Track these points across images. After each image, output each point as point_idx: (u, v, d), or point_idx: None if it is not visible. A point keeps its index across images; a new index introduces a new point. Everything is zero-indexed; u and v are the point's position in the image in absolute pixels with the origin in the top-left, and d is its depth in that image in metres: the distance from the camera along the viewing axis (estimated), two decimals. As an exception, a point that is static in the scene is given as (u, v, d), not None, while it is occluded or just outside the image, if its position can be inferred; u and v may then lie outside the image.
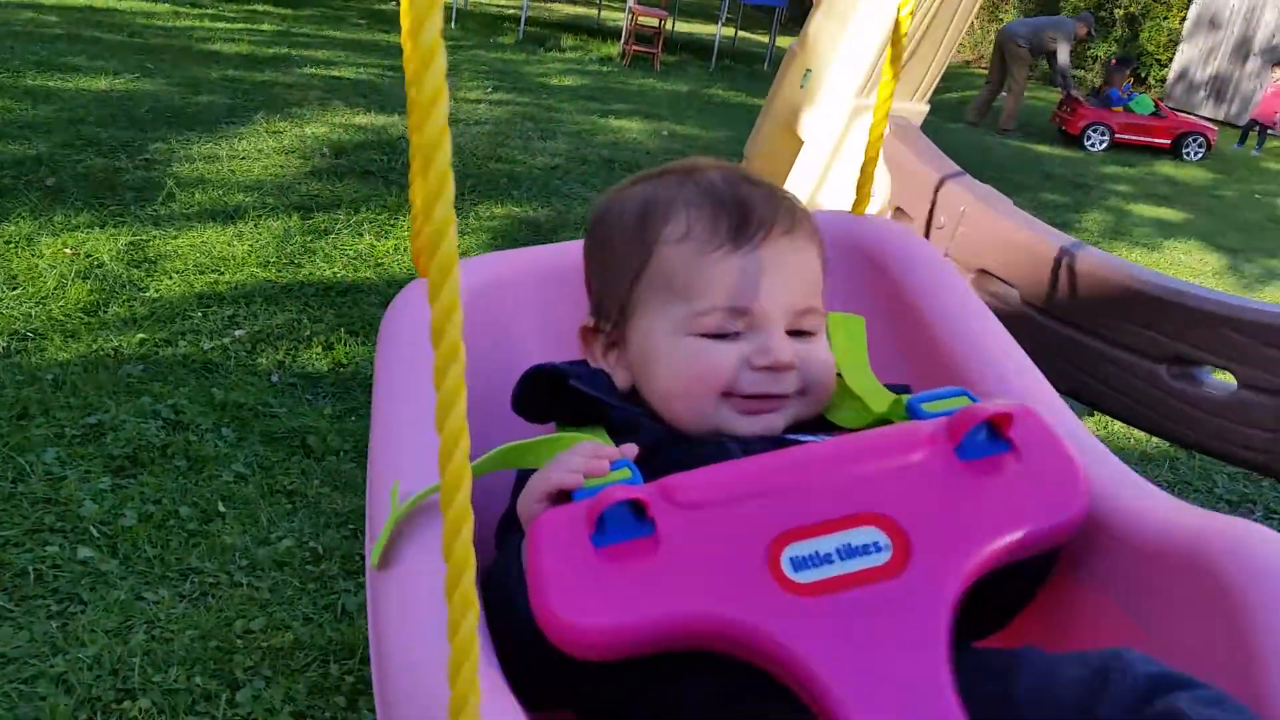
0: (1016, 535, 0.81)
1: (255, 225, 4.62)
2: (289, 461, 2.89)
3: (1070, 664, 0.80)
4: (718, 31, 13.42)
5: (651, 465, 0.92)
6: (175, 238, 4.33)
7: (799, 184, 2.22)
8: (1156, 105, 12.96)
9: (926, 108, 2.22)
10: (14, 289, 3.58)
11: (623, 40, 12.15)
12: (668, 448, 0.98)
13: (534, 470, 0.94)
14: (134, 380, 3.18)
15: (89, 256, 3.97)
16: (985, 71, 13.96)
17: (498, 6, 15.14)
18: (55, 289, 3.64)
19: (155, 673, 2.09)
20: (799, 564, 0.78)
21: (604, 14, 15.69)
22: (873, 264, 1.33)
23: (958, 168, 2.04)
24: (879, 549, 0.79)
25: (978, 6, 2.10)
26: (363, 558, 2.58)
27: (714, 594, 0.76)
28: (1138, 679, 0.75)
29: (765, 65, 13.94)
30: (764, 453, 0.93)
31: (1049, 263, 1.87)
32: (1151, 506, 0.96)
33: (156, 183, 4.93)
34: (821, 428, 1.07)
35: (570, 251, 1.29)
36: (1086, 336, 1.84)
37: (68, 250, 3.98)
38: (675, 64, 12.39)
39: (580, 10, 16.35)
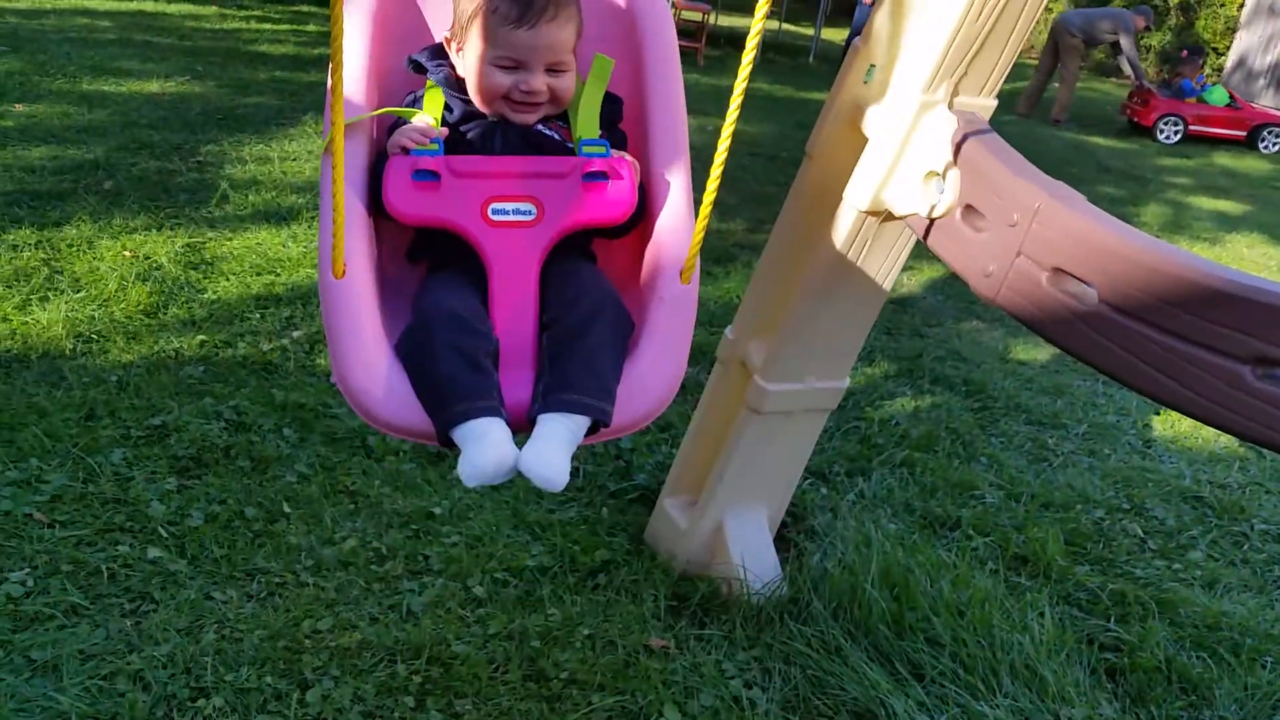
0: (590, 216, 1.66)
1: (309, 227, 4.65)
2: (350, 462, 2.92)
3: (581, 288, 1.61)
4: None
5: (458, 133, 1.72)
6: (230, 239, 4.38)
7: (864, 181, 2.19)
8: (1231, 96, 12.68)
9: (994, 103, 2.18)
10: (78, 291, 3.64)
11: (664, 35, 12.10)
12: (470, 121, 1.74)
13: (400, 121, 1.73)
14: (195, 381, 3.22)
15: (147, 259, 4.03)
16: (1034, 61, 13.76)
17: (538, 4, 15.15)
18: (116, 291, 3.69)
19: (227, 671, 2.11)
20: (496, 212, 1.62)
21: (644, 10, 15.63)
22: (633, 26, 1.93)
23: (1030, 164, 2.00)
24: (531, 213, 1.63)
25: (1045, 1, 2.06)
26: (426, 557, 2.60)
27: (455, 214, 1.61)
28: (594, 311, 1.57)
29: (810, 58, 13.85)
30: (514, 143, 1.73)
31: (1126, 260, 1.82)
32: (666, 232, 1.70)
33: (210, 184, 4.99)
34: (561, 119, 1.79)
35: None
36: (1166, 336, 1.79)
37: (127, 253, 4.05)
38: (718, 58, 12.33)
39: (620, 6, 16.32)
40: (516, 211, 1.63)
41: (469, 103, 1.76)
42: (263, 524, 2.61)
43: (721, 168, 1.54)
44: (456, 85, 1.78)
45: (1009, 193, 1.95)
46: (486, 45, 1.71)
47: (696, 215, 1.63)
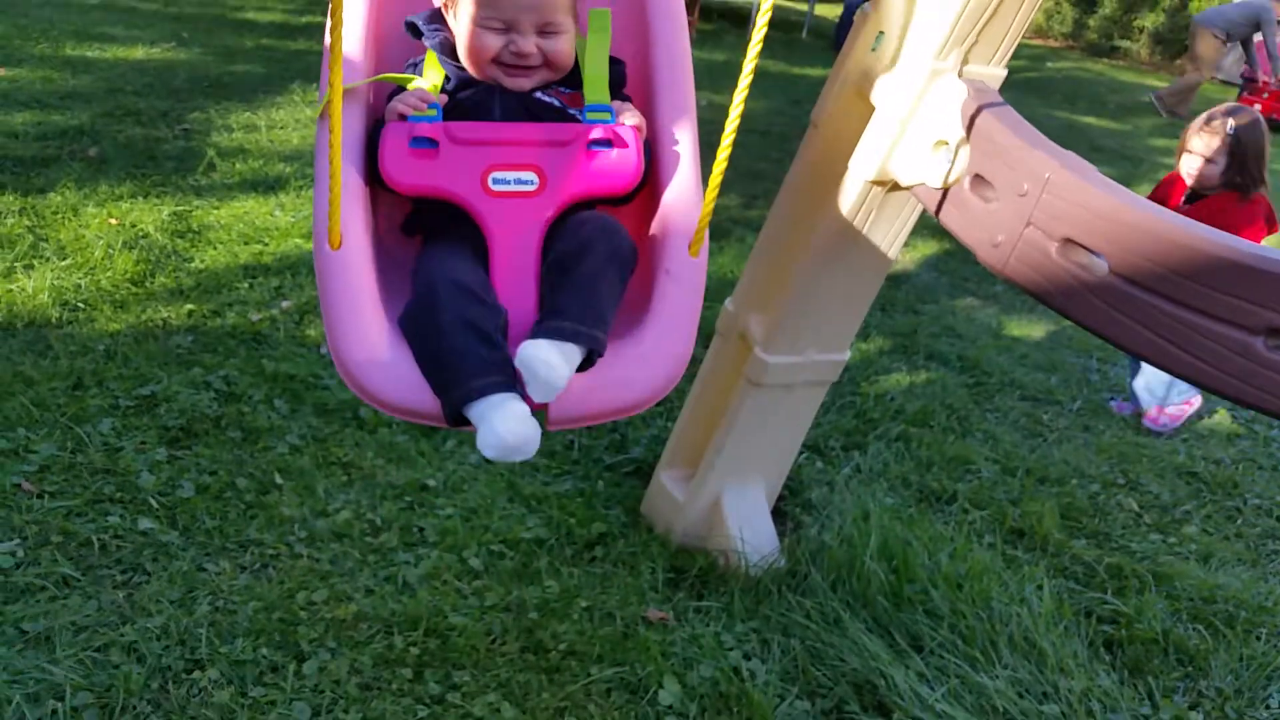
0: (593, 186, 1.59)
1: (297, 196, 4.59)
2: (342, 433, 2.88)
3: (575, 222, 1.56)
4: (753, -1, 13.22)
5: (455, 99, 1.66)
6: (218, 208, 4.32)
7: (871, 150, 2.16)
8: None
9: (1004, 72, 2.15)
10: (63, 259, 3.58)
11: (655, 8, 11.97)
12: (466, 89, 1.67)
13: (399, 89, 1.67)
14: (184, 351, 3.17)
15: (134, 227, 3.96)
16: (1037, 44, 13.68)
17: (527, -25, 14.96)
18: (102, 260, 3.63)
19: (222, 644, 2.08)
20: (496, 181, 1.56)
21: (634, -18, 15.46)
22: None
23: (1040, 134, 1.98)
24: (532, 183, 1.57)
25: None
26: (421, 529, 2.57)
27: (454, 183, 1.55)
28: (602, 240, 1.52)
29: (804, 33, 13.75)
30: (513, 109, 1.65)
31: (1137, 231, 1.80)
32: (675, 201, 1.63)
33: (196, 152, 4.91)
34: (563, 84, 1.72)
35: None
36: (1176, 307, 1.78)
37: (113, 221, 3.98)
38: (711, 32, 12.22)
39: (610, -22, 16.13)
40: (518, 181, 1.57)
41: (464, 69, 1.70)
42: (255, 495, 2.57)
43: (734, 135, 1.48)
44: (453, 51, 1.71)
45: (1019, 162, 1.93)
46: (475, 6, 1.65)
47: (706, 185, 1.54)
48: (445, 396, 1.40)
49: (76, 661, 1.97)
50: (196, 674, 2.00)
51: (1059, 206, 1.87)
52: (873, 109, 2.16)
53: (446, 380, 1.40)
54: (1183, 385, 3.84)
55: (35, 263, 3.51)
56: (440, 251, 1.56)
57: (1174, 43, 15.22)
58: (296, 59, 7.21)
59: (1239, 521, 3.31)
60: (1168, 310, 1.77)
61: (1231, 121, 3.48)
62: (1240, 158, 3.49)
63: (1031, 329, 4.71)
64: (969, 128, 1.99)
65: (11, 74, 5.61)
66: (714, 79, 9.43)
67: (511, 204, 1.56)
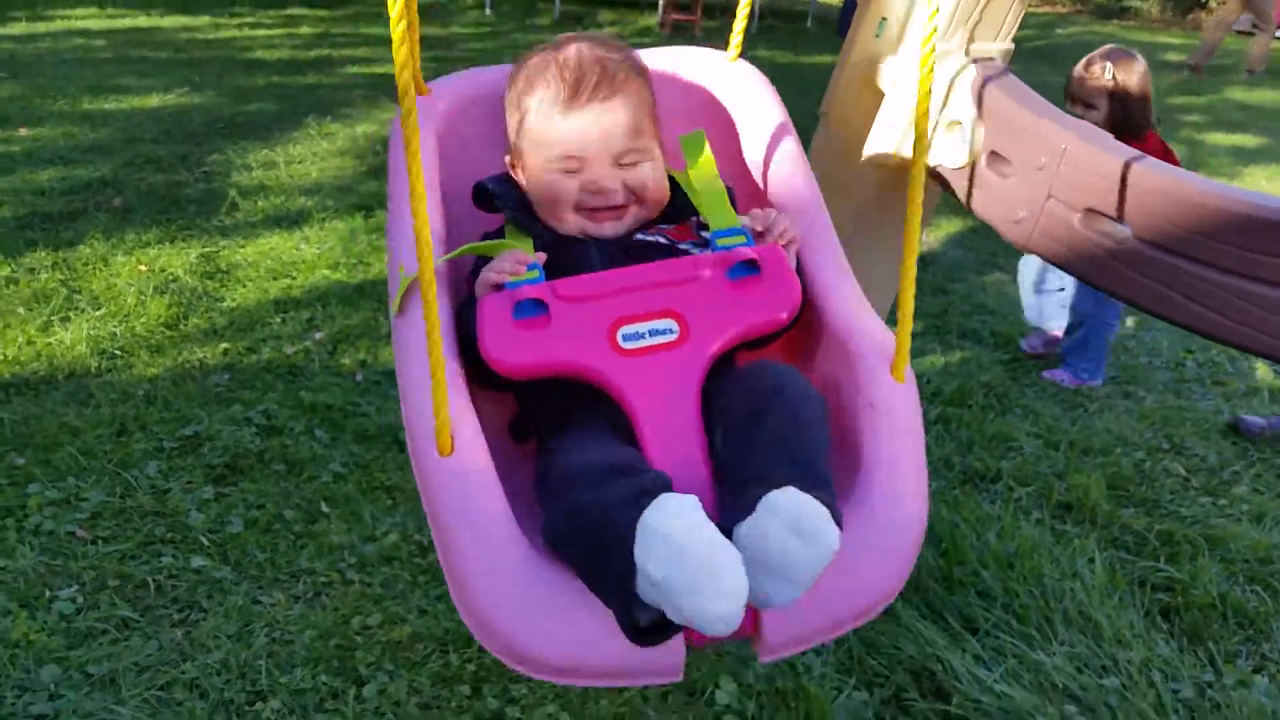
0: (751, 320, 1.34)
1: (320, 228, 4.65)
2: (384, 458, 2.91)
3: (745, 373, 1.32)
4: (756, -8, 13.21)
5: (548, 261, 1.42)
6: (243, 246, 4.38)
7: (884, 136, 2.15)
8: None
9: (1011, 46, 2.14)
10: (98, 309, 3.65)
11: (661, 9, 11.99)
12: (555, 248, 1.45)
13: (484, 260, 1.45)
14: (222, 389, 3.22)
15: (163, 271, 4.03)
16: (1045, 11, 13.53)
17: (530, -12, 15.04)
18: (135, 306, 3.69)
19: (281, 674, 2.12)
20: (627, 337, 1.31)
21: (638, -14, 15.49)
22: (718, 102, 1.75)
23: (1054, 107, 1.97)
24: (672, 332, 1.32)
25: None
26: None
27: (577, 351, 1.30)
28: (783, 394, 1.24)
29: (809, 22, 13.71)
30: (616, 257, 1.42)
31: (1159, 196, 1.79)
32: (851, 319, 1.42)
33: (218, 193, 4.99)
34: (664, 219, 1.52)
35: None
36: (1207, 270, 1.76)
37: (142, 268, 4.05)
38: (716, 29, 12.20)
39: (612, -15, 16.18)
40: (654, 333, 1.31)
41: (548, 228, 1.49)
42: (303, 525, 2.61)
43: (919, 217, 1.27)
44: (531, 210, 1.51)
45: (1035, 136, 1.92)
46: (541, 149, 1.46)
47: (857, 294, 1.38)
48: (614, 595, 1.04)
49: (142, 701, 2.01)
50: (259, 705, 2.04)
51: (1078, 177, 1.86)
52: (881, 95, 2.16)
53: (607, 569, 1.04)
54: (1051, 310, 3.85)
55: (71, 315, 3.58)
56: (571, 443, 1.25)
57: (1184, -1, 15.00)
58: (308, 93, 7.30)
59: (1290, 478, 3.27)
60: (1197, 272, 1.75)
61: (1109, 65, 3.40)
62: (1123, 100, 3.39)
63: (1062, 300, 4.67)
64: (979, 105, 1.98)
65: (34, 133, 5.72)
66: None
67: (651, 362, 1.29)
